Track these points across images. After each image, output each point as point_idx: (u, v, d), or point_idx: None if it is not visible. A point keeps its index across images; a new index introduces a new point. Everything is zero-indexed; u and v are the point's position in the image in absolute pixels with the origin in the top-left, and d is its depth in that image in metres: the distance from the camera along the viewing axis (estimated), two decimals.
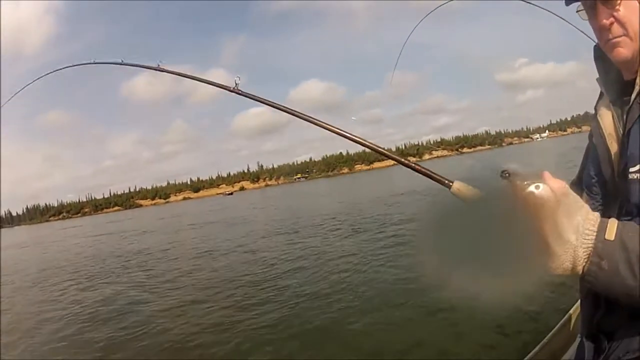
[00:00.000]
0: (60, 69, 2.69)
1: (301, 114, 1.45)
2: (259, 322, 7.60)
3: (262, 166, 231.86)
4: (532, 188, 0.85)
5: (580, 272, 0.91)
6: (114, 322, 9.12)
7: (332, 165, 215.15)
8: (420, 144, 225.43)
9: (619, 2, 1.06)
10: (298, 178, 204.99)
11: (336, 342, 6.34)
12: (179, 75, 1.97)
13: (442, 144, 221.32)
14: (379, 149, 1.31)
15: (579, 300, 1.36)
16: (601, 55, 1.19)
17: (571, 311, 3.31)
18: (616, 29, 1.07)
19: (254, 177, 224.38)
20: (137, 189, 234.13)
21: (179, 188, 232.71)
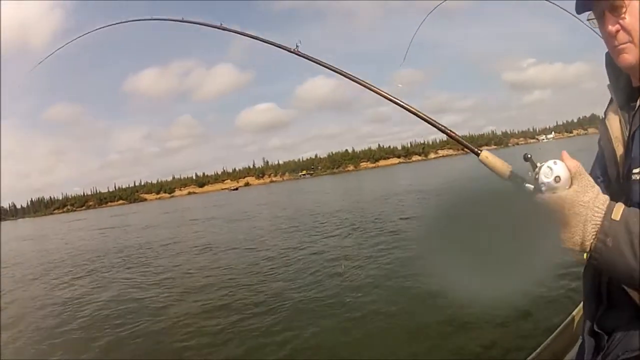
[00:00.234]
0: (115, 23, 2.63)
1: (355, 77, 1.54)
2: (255, 321, 7.56)
3: (267, 162, 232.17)
4: (550, 163, 0.98)
5: (588, 247, 0.99)
6: (111, 318, 9.12)
7: (337, 162, 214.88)
8: (425, 142, 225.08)
9: (624, 10, 1.11)
10: (303, 175, 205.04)
11: (332, 340, 6.30)
12: (241, 34, 2.01)
13: (447, 143, 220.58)
14: (424, 115, 1.43)
15: (582, 303, 1.41)
16: (611, 62, 1.22)
17: (574, 313, 3.28)
18: (622, 36, 1.13)
19: (259, 173, 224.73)
20: (142, 183, 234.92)
21: (184, 183, 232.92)
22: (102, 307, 10.12)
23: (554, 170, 0.97)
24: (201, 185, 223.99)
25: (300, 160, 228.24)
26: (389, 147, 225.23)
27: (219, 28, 2.00)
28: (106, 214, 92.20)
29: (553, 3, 2.88)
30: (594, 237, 0.98)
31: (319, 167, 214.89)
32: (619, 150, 1.21)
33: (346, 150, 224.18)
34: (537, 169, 1.00)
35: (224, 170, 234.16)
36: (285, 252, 13.75)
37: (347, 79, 1.57)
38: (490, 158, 1.12)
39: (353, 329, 6.56)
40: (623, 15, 1.12)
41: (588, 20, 1.22)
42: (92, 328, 8.66)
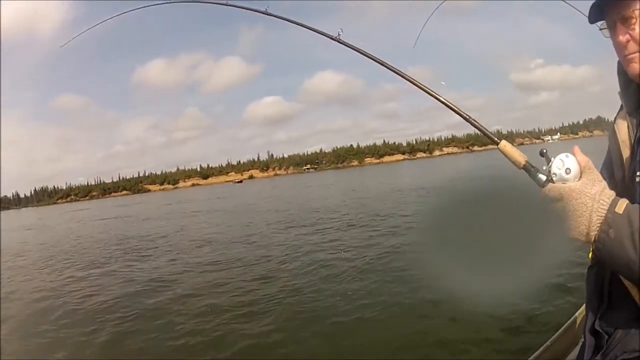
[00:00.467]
0: (157, 4, 2.67)
1: (393, 67, 1.60)
2: (247, 319, 7.48)
3: (272, 155, 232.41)
4: (562, 156, 1.09)
5: (592, 238, 1.06)
6: (107, 310, 9.11)
7: (342, 157, 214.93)
8: (430, 139, 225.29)
9: (634, 21, 1.17)
10: (307, 169, 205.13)
11: (328, 338, 6.22)
12: (286, 20, 2.04)
13: (452, 141, 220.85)
14: (456, 108, 1.43)
15: (584, 304, 1.49)
16: (622, 71, 1.27)
17: (577, 314, 3.29)
18: (632, 46, 1.19)
19: (264, 166, 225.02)
20: (147, 174, 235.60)
21: (188, 174, 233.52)
22: (99, 299, 10.10)
23: (566, 162, 1.08)
24: (205, 177, 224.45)
25: (305, 154, 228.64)
26: (394, 143, 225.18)
27: (264, 13, 2.07)
28: (109, 204, 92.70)
29: (568, 3, 2.82)
30: (598, 228, 1.05)
31: (323, 162, 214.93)
32: (626, 153, 1.26)
33: (351, 145, 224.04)
34: (550, 162, 1.10)
35: (229, 163, 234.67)
36: (283, 247, 13.72)
37: (386, 69, 1.60)
38: (507, 147, 1.22)
39: (354, 328, 6.47)
40: (633, 26, 1.17)
41: (600, 29, 1.28)
42: (87, 320, 8.61)
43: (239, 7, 2.17)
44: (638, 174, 1.19)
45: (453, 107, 1.42)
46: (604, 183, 1.10)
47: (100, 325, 8.14)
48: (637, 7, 1.16)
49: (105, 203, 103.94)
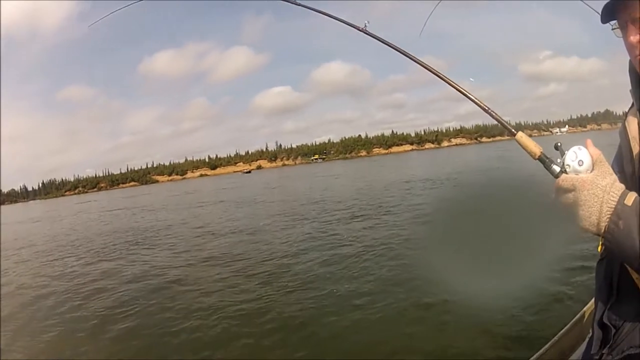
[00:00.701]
0: None
1: (420, 60, 1.65)
2: (247, 307, 7.55)
3: (280, 145, 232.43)
4: (575, 148, 1.14)
5: (602, 229, 1.09)
6: (110, 299, 9.31)
7: (350, 147, 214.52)
8: (439, 130, 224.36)
9: None
10: (315, 159, 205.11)
11: (327, 338, 6.17)
12: (314, 10, 2.09)
13: (461, 132, 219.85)
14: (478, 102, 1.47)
15: (591, 301, 1.58)
16: (634, 69, 1.29)
17: (585, 309, 3.33)
18: None
19: (272, 156, 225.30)
20: (155, 165, 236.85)
21: (196, 165, 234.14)
22: (102, 289, 10.26)
23: (578, 154, 1.13)
24: (213, 168, 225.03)
25: (313, 144, 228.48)
26: (402, 134, 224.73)
27: (292, 3, 2.12)
28: (116, 195, 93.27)
29: (586, 3, 2.72)
30: (608, 218, 1.08)
31: (332, 152, 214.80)
32: (636, 149, 1.27)
33: (359, 135, 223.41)
34: (564, 154, 1.16)
35: (237, 153, 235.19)
36: (288, 236, 13.85)
37: (414, 62, 1.66)
38: (524, 138, 1.26)
39: (360, 326, 6.39)
40: None
41: (612, 29, 1.28)
42: (88, 306, 8.88)
43: None
44: None
45: (475, 99, 1.48)
46: (615, 176, 1.14)
47: (102, 319, 8.17)
48: None
49: (113, 194, 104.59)
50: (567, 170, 1.14)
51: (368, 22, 1.78)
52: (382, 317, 6.53)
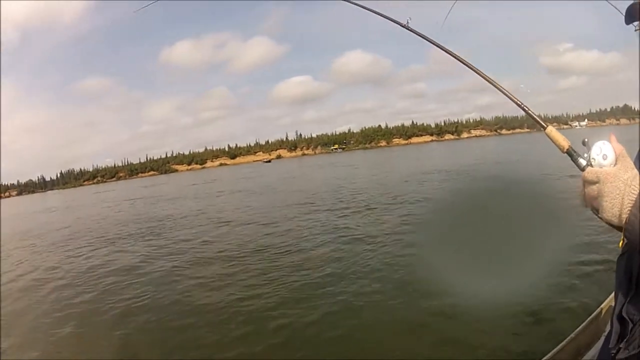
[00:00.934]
0: None
1: (462, 58, 1.71)
2: (254, 302, 7.60)
3: (300, 135, 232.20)
4: (599, 143, 1.20)
5: (624, 220, 1.12)
6: (121, 290, 9.47)
7: (369, 137, 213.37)
8: (459, 121, 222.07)
9: None
10: (335, 149, 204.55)
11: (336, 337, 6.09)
12: (356, 4, 2.17)
13: (481, 123, 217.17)
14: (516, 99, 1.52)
15: (607, 299, 1.60)
16: None
17: (602, 306, 3.34)
18: None
19: (292, 146, 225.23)
20: (174, 154, 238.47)
21: (216, 154, 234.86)
22: (116, 278, 10.48)
23: (603, 149, 1.19)
24: (233, 157, 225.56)
25: (334, 134, 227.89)
26: (422, 124, 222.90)
27: None
28: (135, 185, 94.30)
29: (610, 4, 2.64)
30: (629, 211, 1.11)
31: (351, 142, 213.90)
32: None
33: (379, 125, 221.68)
34: (590, 149, 1.22)
35: (257, 142, 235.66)
36: (304, 228, 13.98)
37: (454, 59, 1.72)
38: (554, 132, 1.34)
39: (368, 324, 6.35)
40: None
41: (635, 30, 1.32)
42: (104, 300, 8.90)
43: None
44: None
45: (510, 94, 1.55)
46: (637, 171, 1.16)
47: (112, 304, 8.40)
48: None
49: (132, 184, 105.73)
50: (592, 163, 1.20)
51: (410, 18, 1.83)
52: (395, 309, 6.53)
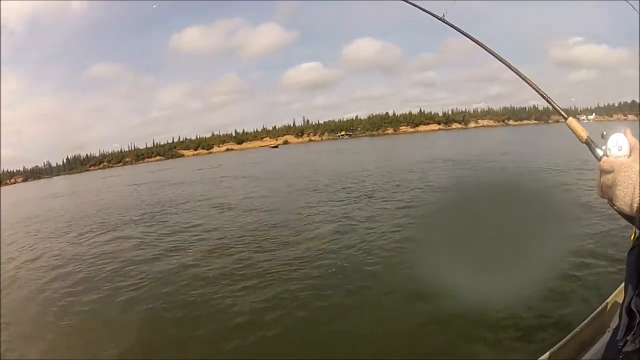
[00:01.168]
0: None
1: (496, 53, 1.80)
2: (256, 300, 7.47)
3: (307, 121, 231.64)
4: (615, 135, 1.27)
5: (635, 209, 1.18)
6: (120, 276, 9.63)
7: (377, 124, 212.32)
8: (466, 111, 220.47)
9: None
10: (342, 135, 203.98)
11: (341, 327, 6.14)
12: None
13: (489, 113, 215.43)
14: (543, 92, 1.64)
15: (612, 295, 1.60)
16: None
17: (607, 301, 3.35)
18: None
19: (299, 132, 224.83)
20: (181, 139, 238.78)
21: (223, 139, 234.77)
22: (119, 264, 10.64)
23: (618, 140, 1.26)
24: (240, 142, 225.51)
25: (341, 120, 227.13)
26: (430, 112, 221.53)
27: None
28: (141, 169, 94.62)
29: (629, 4, 2.60)
30: (639, 200, 1.17)
31: (358, 129, 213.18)
32: None
33: (386, 113, 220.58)
34: (607, 140, 1.28)
35: (264, 128, 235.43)
36: (308, 215, 14.23)
37: (487, 53, 1.81)
38: (574, 123, 1.42)
39: (376, 319, 6.35)
40: None
41: None
42: (100, 285, 9.08)
43: None
44: None
45: (535, 86, 1.66)
46: None
47: (113, 292, 8.57)
48: None
49: (138, 169, 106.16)
50: (609, 154, 1.27)
51: (446, 11, 1.87)
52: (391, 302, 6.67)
